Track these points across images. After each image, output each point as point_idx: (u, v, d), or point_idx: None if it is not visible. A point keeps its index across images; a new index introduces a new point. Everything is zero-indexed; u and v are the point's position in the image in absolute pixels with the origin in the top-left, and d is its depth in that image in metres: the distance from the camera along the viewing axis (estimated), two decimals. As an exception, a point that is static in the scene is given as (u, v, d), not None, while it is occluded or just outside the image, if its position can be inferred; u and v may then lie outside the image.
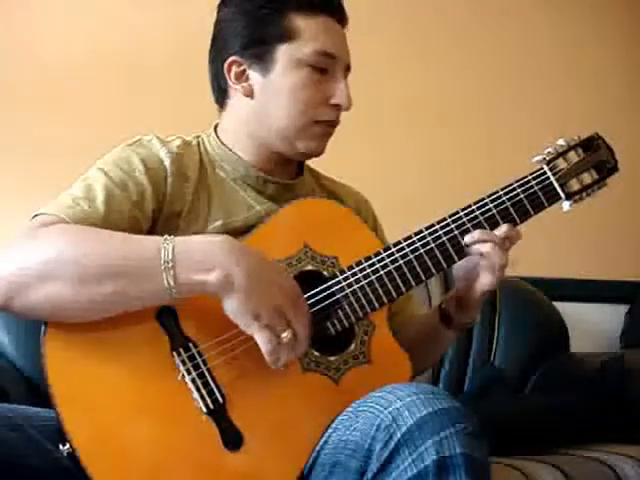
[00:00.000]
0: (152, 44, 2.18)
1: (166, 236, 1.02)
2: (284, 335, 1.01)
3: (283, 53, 1.18)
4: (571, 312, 2.28)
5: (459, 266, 1.20)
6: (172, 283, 0.99)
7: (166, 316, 1.06)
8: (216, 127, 1.28)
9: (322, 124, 1.21)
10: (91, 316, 1.02)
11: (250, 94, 1.21)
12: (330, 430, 1.07)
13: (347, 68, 1.24)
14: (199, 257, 1.01)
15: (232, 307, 1.01)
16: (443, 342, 1.30)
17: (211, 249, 1.02)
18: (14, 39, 2.11)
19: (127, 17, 2.21)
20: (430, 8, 2.48)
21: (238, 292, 1.00)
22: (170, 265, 0.99)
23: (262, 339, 1.01)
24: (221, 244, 1.03)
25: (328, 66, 1.20)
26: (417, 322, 1.33)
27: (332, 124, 1.23)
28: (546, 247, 2.30)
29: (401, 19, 2.43)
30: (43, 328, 1.02)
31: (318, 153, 1.24)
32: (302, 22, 1.18)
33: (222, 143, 1.25)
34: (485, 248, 1.15)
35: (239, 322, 1.02)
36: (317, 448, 1.07)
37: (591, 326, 2.44)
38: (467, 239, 1.17)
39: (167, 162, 1.17)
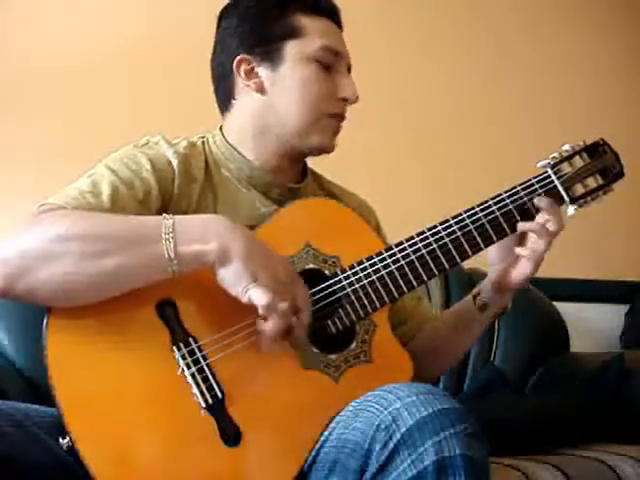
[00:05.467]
0: (154, 44, 2.18)
1: (165, 214, 1.04)
2: (281, 305, 1.01)
3: (291, 49, 1.21)
4: (571, 312, 2.28)
5: (493, 250, 1.22)
6: (172, 255, 1.01)
7: (167, 311, 1.07)
8: (221, 127, 1.28)
9: (332, 117, 1.23)
10: (94, 295, 1.02)
11: (261, 90, 1.22)
12: (330, 429, 1.07)
13: (348, 69, 1.27)
14: (198, 230, 1.03)
15: (229, 274, 1.02)
16: (476, 329, 1.30)
17: (209, 223, 1.05)
18: (16, 39, 2.11)
19: (128, 17, 2.21)
20: (433, 13, 2.47)
21: (237, 258, 1.01)
22: (170, 237, 1.01)
23: (258, 293, 1.00)
24: (219, 219, 1.06)
25: (333, 63, 1.23)
26: (443, 319, 1.34)
27: (340, 117, 1.25)
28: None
29: (404, 23, 2.43)
30: (45, 320, 1.02)
31: (330, 148, 1.25)
32: (307, 21, 1.22)
33: (228, 143, 1.25)
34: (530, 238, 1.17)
35: (236, 288, 1.02)
36: (317, 446, 1.07)
37: (591, 326, 2.44)
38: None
39: (175, 163, 1.17)
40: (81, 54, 2.14)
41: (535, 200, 1.18)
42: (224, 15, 1.27)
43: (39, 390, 1.47)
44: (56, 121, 2.09)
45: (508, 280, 1.21)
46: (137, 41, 2.18)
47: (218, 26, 1.28)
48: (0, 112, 2.06)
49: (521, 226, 1.18)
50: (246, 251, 1.02)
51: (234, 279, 1.02)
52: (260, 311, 1.01)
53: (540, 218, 1.17)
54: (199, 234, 1.02)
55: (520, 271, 1.19)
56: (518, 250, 1.18)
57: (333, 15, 1.26)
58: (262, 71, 1.22)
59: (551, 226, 1.16)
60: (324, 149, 1.25)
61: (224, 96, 1.27)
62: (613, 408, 1.78)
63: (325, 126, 1.23)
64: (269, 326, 1.02)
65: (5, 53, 2.09)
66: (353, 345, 1.15)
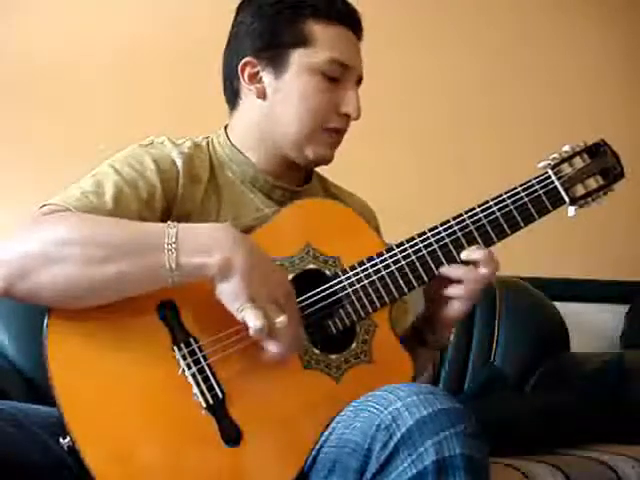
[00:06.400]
0: (155, 44, 2.18)
1: (169, 222, 1.03)
2: (279, 320, 1.01)
3: (297, 57, 1.19)
4: (571, 312, 2.28)
5: (429, 287, 1.19)
6: (173, 265, 1.00)
7: (168, 311, 1.07)
8: (226, 127, 1.28)
9: (331, 132, 1.22)
10: (94, 299, 1.02)
11: (262, 96, 1.21)
12: (330, 429, 1.07)
13: (359, 80, 1.25)
14: (201, 241, 1.02)
15: (228, 290, 1.01)
16: (420, 360, 1.25)
17: (213, 234, 1.03)
18: (16, 39, 2.11)
19: (129, 17, 2.21)
20: (434, 11, 2.48)
21: (237, 275, 1.00)
22: (173, 247, 1.00)
23: (252, 316, 0.99)
24: (223, 230, 1.04)
25: (340, 75, 1.20)
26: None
27: (340, 132, 1.23)
28: (546, 247, 2.30)
29: (404, 22, 2.43)
30: (45, 320, 1.02)
31: (326, 161, 1.24)
32: (319, 30, 1.19)
33: (232, 144, 1.25)
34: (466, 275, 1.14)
35: (233, 305, 1.01)
36: (317, 446, 1.07)
37: (591, 326, 2.45)
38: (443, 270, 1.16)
39: (179, 163, 1.17)
40: (82, 54, 2.14)
41: (462, 255, 1.16)
42: (241, 8, 1.26)
43: (39, 390, 1.47)
44: (56, 121, 2.09)
45: (442, 318, 1.18)
46: (138, 41, 2.18)
47: (235, 17, 1.26)
48: (0, 112, 2.06)
49: (445, 271, 1.16)
50: (247, 268, 1.01)
51: (232, 296, 1.01)
52: (251, 333, 1.00)
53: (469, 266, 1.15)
54: (202, 245, 1.01)
55: (456, 310, 1.17)
56: (451, 291, 1.15)
57: (351, 23, 1.22)
58: (266, 77, 1.21)
59: (483, 269, 1.14)
60: (320, 162, 1.24)
61: (231, 94, 1.26)
62: (613, 408, 1.78)
63: (322, 140, 1.21)
64: (264, 343, 1.02)
65: (5, 53, 2.09)
66: (353, 345, 1.15)
